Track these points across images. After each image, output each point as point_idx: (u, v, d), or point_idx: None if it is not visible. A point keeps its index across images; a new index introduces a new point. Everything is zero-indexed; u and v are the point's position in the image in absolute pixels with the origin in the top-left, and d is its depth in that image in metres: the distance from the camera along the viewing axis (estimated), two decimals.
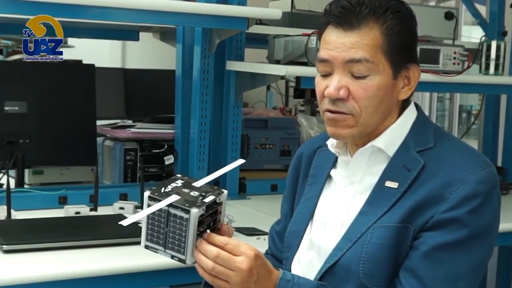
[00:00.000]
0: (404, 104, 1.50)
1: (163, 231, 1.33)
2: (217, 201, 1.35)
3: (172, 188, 1.35)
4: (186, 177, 1.40)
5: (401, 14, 1.43)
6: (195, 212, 1.30)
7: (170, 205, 1.31)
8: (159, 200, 1.32)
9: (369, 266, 1.39)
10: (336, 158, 1.55)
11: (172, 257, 1.34)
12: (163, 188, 1.34)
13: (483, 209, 1.38)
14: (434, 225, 1.37)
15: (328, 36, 1.44)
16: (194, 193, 1.34)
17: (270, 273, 1.37)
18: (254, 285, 1.34)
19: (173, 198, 1.32)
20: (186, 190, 1.35)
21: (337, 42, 1.41)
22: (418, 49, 2.51)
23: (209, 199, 1.33)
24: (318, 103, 1.47)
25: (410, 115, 1.50)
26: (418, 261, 1.37)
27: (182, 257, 1.33)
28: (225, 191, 1.37)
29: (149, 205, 1.33)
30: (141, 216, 1.33)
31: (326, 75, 1.44)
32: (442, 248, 1.36)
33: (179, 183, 1.37)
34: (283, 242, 1.62)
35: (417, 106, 1.53)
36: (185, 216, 1.30)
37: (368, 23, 1.40)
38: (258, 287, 1.35)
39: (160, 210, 1.32)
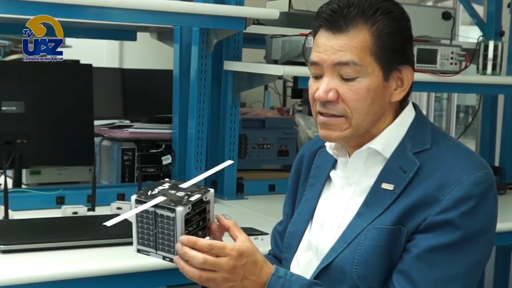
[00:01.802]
0: (403, 105, 1.50)
1: (153, 233, 1.34)
2: (204, 199, 1.36)
3: (159, 191, 1.36)
4: (174, 180, 1.42)
5: (393, 15, 1.43)
6: (180, 210, 1.31)
7: (156, 206, 1.33)
8: (145, 203, 1.33)
9: (362, 268, 1.39)
10: (337, 159, 1.56)
11: (164, 258, 1.35)
12: (150, 191, 1.36)
13: (477, 211, 1.37)
14: (427, 227, 1.37)
15: (319, 39, 1.44)
16: (180, 193, 1.35)
17: (261, 269, 1.38)
18: (241, 282, 1.35)
19: (159, 199, 1.33)
20: (173, 191, 1.36)
21: (326, 45, 1.42)
22: (415, 49, 2.54)
23: (195, 197, 1.34)
24: (311, 105, 1.48)
25: (407, 115, 1.49)
26: (411, 263, 1.37)
27: (173, 256, 1.34)
28: (212, 190, 1.38)
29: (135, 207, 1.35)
30: (126, 217, 1.34)
31: (317, 77, 1.45)
32: (435, 251, 1.36)
33: (166, 185, 1.39)
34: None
35: (415, 107, 1.52)
36: (171, 215, 1.32)
37: (357, 25, 1.40)
38: (247, 283, 1.36)
39: (148, 212, 1.33)
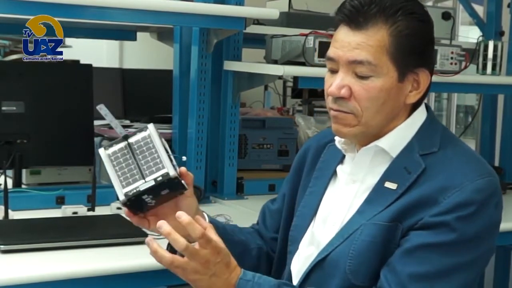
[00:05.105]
0: (416, 107, 1.49)
1: (135, 165, 1.37)
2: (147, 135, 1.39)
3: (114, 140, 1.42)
4: None
5: (414, 16, 1.41)
6: (151, 126, 1.37)
7: (126, 138, 1.38)
8: (112, 146, 1.39)
9: (355, 262, 1.39)
10: (345, 154, 1.55)
11: (155, 181, 1.35)
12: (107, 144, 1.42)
13: (476, 218, 1.36)
14: (422, 226, 1.37)
15: (337, 34, 1.44)
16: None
17: (232, 271, 1.36)
18: (210, 278, 1.33)
19: (124, 133, 1.39)
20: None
21: (343, 41, 1.42)
22: None
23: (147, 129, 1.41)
24: (325, 99, 1.48)
25: (418, 117, 1.49)
26: (399, 257, 1.37)
27: (165, 171, 1.35)
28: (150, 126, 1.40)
29: (108, 156, 1.38)
30: (109, 170, 1.37)
31: (333, 72, 1.45)
32: (425, 248, 1.35)
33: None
34: (273, 223, 1.66)
35: (427, 108, 1.51)
36: (145, 134, 1.38)
37: (377, 23, 1.39)
38: (216, 281, 1.34)
39: (121, 149, 1.38)
